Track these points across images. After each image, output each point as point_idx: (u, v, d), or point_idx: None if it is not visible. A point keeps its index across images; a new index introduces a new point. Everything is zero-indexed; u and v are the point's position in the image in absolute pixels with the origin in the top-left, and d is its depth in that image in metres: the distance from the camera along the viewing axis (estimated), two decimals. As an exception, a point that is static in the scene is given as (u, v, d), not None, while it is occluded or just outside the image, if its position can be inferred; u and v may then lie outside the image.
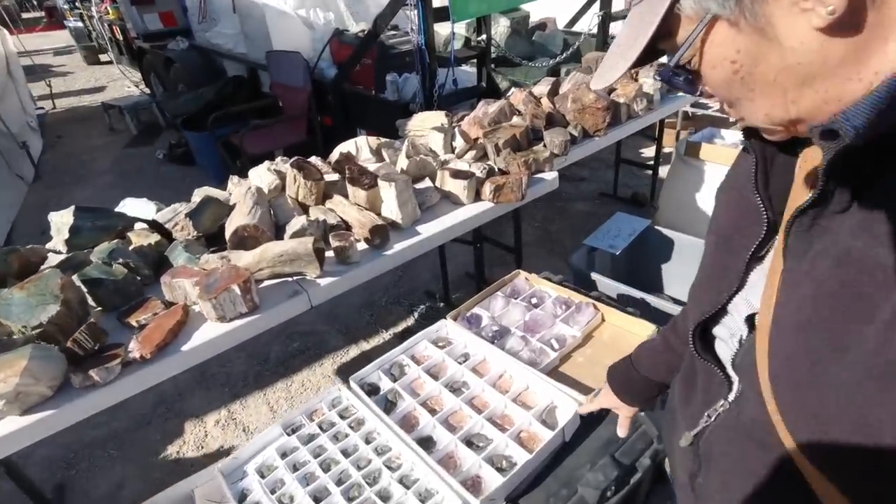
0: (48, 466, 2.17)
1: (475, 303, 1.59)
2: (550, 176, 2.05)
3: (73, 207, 1.59)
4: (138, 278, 1.52)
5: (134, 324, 1.36)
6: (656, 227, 2.45)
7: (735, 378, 0.64)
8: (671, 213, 3.11)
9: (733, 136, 2.93)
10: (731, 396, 0.65)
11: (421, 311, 2.87)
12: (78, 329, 1.22)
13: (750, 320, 0.60)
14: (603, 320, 1.51)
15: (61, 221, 1.61)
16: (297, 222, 1.62)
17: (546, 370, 1.34)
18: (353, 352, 2.68)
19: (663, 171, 3.81)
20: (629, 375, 0.99)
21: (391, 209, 1.72)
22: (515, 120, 2.27)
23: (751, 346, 0.57)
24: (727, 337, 0.65)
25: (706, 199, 2.86)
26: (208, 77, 5.01)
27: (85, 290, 1.40)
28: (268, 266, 1.48)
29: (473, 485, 1.09)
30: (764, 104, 0.48)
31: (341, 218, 1.72)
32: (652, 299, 1.97)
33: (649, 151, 4.58)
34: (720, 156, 2.75)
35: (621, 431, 1.06)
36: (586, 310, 1.50)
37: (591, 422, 1.20)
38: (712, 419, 0.66)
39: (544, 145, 2.15)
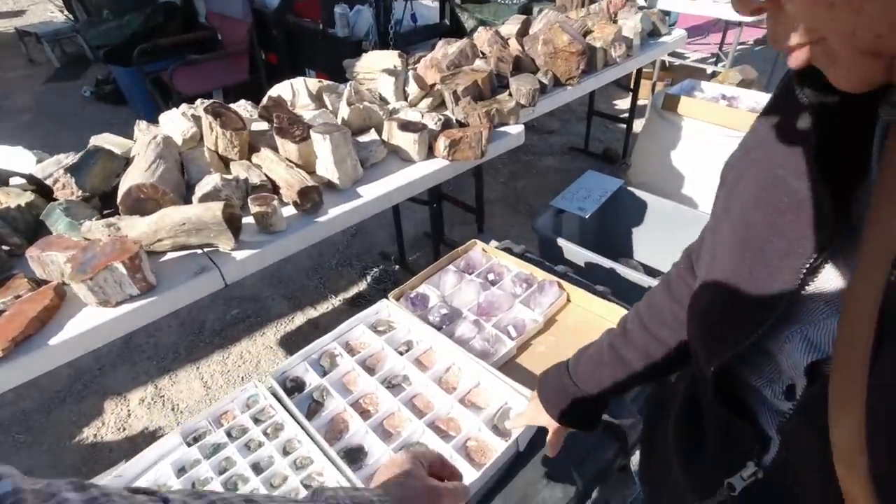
0: (-59, 454, 1.91)
1: (422, 279, 1.37)
2: (515, 129, 1.80)
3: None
4: (5, 248, 1.23)
5: (-10, 309, 1.08)
6: (629, 188, 2.26)
7: (775, 438, 0.46)
8: (644, 171, 2.93)
9: (714, 90, 2.72)
10: (767, 460, 0.46)
11: (374, 274, 2.64)
12: None
13: (813, 369, 0.41)
14: (568, 301, 1.32)
15: None
16: (209, 182, 1.33)
17: (501, 362, 1.16)
18: (299, 320, 2.45)
19: (637, 125, 3.61)
20: (563, 388, 0.77)
21: (326, 167, 1.45)
22: (478, 63, 1.98)
23: (815, 407, 0.38)
24: (763, 383, 0.46)
25: (683, 158, 2.68)
26: (136, 2, 4.39)
27: (-74, 265, 1.11)
28: (168, 236, 1.21)
29: (409, 508, 0.91)
30: (891, 11, 0.27)
31: (267, 176, 1.44)
32: (622, 269, 1.81)
33: (623, 104, 4.34)
34: (700, 111, 2.54)
35: (550, 451, 0.85)
36: (550, 289, 1.30)
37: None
38: (737, 491, 0.48)
39: (510, 94, 1.89)
